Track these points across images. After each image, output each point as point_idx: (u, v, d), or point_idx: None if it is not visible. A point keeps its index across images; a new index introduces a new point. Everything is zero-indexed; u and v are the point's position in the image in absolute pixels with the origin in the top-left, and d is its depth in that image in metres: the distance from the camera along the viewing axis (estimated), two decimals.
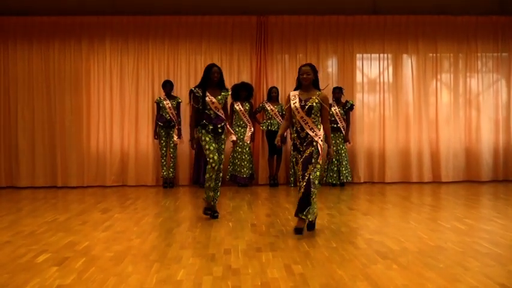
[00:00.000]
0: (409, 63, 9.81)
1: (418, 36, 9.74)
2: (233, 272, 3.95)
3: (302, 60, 9.67)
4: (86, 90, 9.50)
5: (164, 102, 9.03)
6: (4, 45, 9.45)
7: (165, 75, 9.54)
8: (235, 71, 9.66)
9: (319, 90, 5.45)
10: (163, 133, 9.05)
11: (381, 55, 9.78)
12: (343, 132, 9.10)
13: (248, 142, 9.12)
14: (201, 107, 6.01)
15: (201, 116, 6.02)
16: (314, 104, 5.28)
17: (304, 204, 5.27)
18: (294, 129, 5.46)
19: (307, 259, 4.30)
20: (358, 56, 9.79)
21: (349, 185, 9.13)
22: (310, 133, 5.28)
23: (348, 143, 9.27)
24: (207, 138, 5.96)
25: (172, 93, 9.19)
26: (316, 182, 5.34)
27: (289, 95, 5.50)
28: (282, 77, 9.72)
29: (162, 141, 9.06)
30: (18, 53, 9.44)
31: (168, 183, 9.15)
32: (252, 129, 9.16)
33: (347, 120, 9.17)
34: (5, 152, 9.40)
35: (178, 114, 9.08)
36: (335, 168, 9.11)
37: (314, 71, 5.42)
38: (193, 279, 3.78)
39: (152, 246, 4.81)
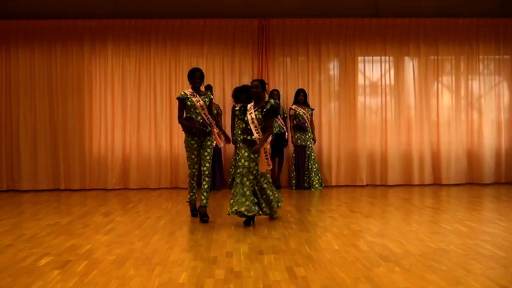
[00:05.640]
0: (410, 66, 9.81)
1: (419, 39, 9.74)
2: (235, 275, 3.94)
3: (304, 62, 9.71)
4: (87, 93, 9.51)
5: (193, 99, 6.30)
6: (6, 49, 9.47)
7: (166, 78, 9.55)
8: (237, 74, 9.65)
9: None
10: (194, 143, 6.28)
11: (383, 58, 9.78)
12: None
13: None
14: None
15: None
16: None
17: None
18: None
19: (309, 262, 4.30)
20: (360, 58, 9.79)
21: (350, 187, 9.09)
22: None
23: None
24: None
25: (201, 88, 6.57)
26: None
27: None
28: (283, 79, 9.72)
29: (194, 156, 6.30)
30: (20, 56, 9.47)
31: (203, 214, 6.20)
32: None
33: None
34: (6, 155, 9.41)
35: (211, 115, 6.50)
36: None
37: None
38: (195, 282, 3.78)
39: (154, 249, 4.81)
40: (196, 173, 6.45)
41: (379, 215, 6.67)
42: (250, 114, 6.05)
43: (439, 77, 9.81)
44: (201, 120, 6.32)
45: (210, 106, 6.44)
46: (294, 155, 9.20)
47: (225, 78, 9.62)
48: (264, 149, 6.00)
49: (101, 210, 7.15)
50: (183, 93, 6.41)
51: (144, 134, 9.51)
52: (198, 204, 6.53)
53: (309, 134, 9.14)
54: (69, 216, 6.74)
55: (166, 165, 9.49)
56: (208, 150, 6.30)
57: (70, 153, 9.43)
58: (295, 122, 9.17)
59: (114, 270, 4.11)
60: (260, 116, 6.02)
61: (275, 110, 6.01)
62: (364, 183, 9.60)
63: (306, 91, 9.41)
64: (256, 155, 5.92)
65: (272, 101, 6.02)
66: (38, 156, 9.39)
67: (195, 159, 6.34)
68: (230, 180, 9.24)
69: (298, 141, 9.09)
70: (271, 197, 6.14)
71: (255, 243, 5.04)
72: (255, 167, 5.97)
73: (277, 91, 9.38)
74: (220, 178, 9.16)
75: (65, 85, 9.47)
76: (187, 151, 6.34)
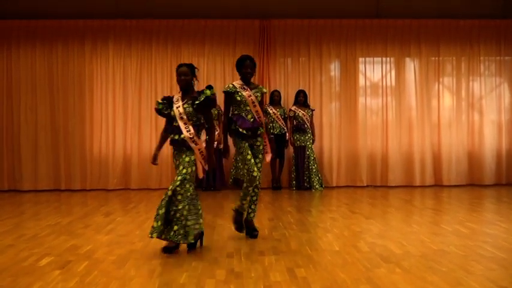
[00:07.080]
0: (411, 67, 9.81)
1: (420, 40, 9.74)
2: (236, 276, 3.95)
3: (305, 63, 9.72)
4: (89, 93, 9.52)
5: (244, 93, 5.24)
6: (8, 49, 9.48)
7: (168, 78, 9.56)
8: (238, 74, 9.61)
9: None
10: (245, 143, 5.20)
11: (384, 59, 9.78)
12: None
13: None
14: None
15: None
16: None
17: None
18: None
19: (310, 263, 4.30)
20: (361, 59, 9.79)
21: (350, 188, 9.09)
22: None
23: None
24: None
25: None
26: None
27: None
28: (284, 80, 9.73)
29: (250, 157, 5.17)
30: (21, 56, 9.47)
31: (253, 227, 5.34)
32: None
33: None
34: (7, 155, 9.42)
35: (264, 113, 5.47)
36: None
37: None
38: (196, 283, 3.78)
39: (155, 249, 4.81)
40: (258, 177, 5.15)
41: (380, 216, 6.67)
42: (177, 108, 4.80)
43: (440, 78, 9.81)
44: (252, 120, 5.20)
45: (262, 102, 5.35)
46: (294, 155, 9.20)
47: (226, 79, 9.61)
48: (200, 150, 4.82)
49: (102, 211, 7.16)
50: (231, 85, 5.27)
51: (145, 134, 9.51)
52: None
53: (308, 135, 9.15)
54: (70, 216, 6.75)
55: (167, 165, 9.47)
56: (260, 156, 5.25)
57: (71, 153, 9.43)
58: (294, 123, 9.17)
59: (114, 271, 4.11)
60: (191, 109, 4.77)
61: (211, 102, 4.76)
62: (365, 184, 9.60)
63: (307, 92, 9.42)
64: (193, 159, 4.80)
65: (208, 91, 4.76)
66: (39, 156, 9.40)
67: (252, 159, 5.13)
68: (231, 181, 9.23)
69: (297, 142, 9.10)
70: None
71: (256, 244, 5.04)
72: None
73: (278, 92, 9.39)
74: (220, 179, 9.17)
75: (66, 85, 9.48)
76: (241, 153, 5.16)
